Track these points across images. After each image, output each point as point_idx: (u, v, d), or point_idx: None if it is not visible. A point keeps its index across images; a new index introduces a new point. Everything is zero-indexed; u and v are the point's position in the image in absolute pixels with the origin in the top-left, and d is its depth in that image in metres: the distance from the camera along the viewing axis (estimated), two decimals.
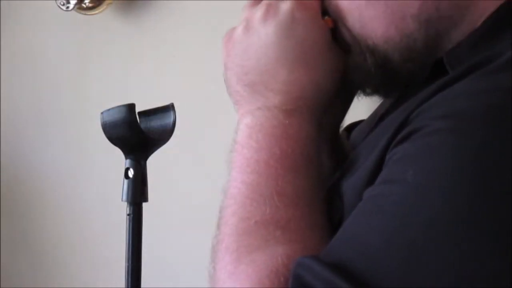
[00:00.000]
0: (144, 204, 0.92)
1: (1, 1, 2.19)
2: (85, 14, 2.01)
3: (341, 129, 0.92)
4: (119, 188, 0.90)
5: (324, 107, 0.74)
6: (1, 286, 2.24)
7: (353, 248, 0.61)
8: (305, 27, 0.71)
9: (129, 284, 0.92)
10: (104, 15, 2.01)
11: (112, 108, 0.89)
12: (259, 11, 0.73)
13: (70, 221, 2.18)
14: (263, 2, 0.74)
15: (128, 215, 0.92)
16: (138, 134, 0.89)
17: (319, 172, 0.72)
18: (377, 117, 0.79)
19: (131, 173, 0.90)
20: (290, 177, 0.69)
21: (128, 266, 0.92)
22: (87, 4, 1.98)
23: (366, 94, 0.78)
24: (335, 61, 0.74)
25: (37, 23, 2.17)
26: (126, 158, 0.91)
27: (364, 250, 0.60)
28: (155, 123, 0.90)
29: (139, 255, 0.93)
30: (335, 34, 0.75)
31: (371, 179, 0.65)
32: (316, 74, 0.72)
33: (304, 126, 0.71)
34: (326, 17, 0.74)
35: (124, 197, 0.91)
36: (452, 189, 0.58)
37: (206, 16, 1.88)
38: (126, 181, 0.91)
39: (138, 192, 0.91)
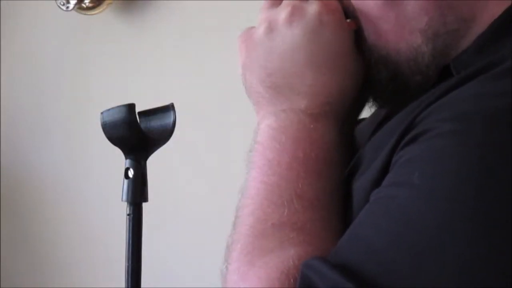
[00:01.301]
0: (144, 204, 0.92)
1: (1, 1, 2.19)
2: (85, 14, 2.01)
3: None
4: (119, 188, 0.90)
5: (348, 112, 0.74)
6: (1, 286, 2.24)
7: (360, 250, 0.61)
8: (332, 31, 0.71)
9: (129, 284, 0.92)
10: (104, 15, 2.01)
11: (112, 108, 0.89)
12: (283, 12, 0.72)
13: (70, 221, 2.18)
14: (287, 3, 0.73)
15: (128, 215, 0.92)
16: (138, 134, 0.89)
17: (339, 176, 0.72)
18: (381, 117, 0.79)
19: (131, 173, 0.90)
20: (311, 180, 0.69)
21: (128, 266, 0.92)
22: (87, 4, 1.98)
23: (378, 105, 0.79)
24: (358, 64, 0.74)
25: (37, 23, 2.17)
26: (126, 158, 0.91)
27: (371, 252, 0.60)
28: (155, 123, 0.90)
29: (139, 255, 0.93)
30: (358, 36, 0.75)
31: (378, 181, 0.66)
32: (342, 78, 0.72)
33: (329, 132, 0.71)
34: (349, 20, 0.74)
35: (124, 197, 0.91)
36: (457, 191, 0.58)
37: (206, 16, 1.89)
38: (126, 181, 0.91)
39: (138, 192, 0.91)
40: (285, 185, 0.69)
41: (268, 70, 0.72)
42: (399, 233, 0.59)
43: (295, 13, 0.71)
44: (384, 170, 0.66)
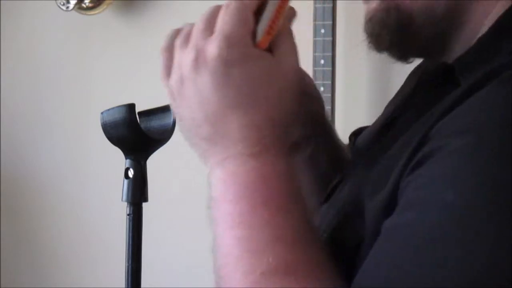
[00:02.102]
0: (144, 204, 0.92)
1: (1, 1, 2.19)
2: (85, 14, 2.01)
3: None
4: (119, 188, 0.90)
5: (290, 135, 0.70)
6: (1, 286, 2.24)
7: (395, 279, 0.60)
8: (240, 67, 0.66)
9: (129, 284, 0.92)
10: (104, 15, 2.01)
11: (112, 108, 0.89)
12: (188, 58, 0.67)
13: (70, 221, 2.18)
14: (191, 44, 0.67)
15: (128, 215, 0.92)
16: (138, 134, 0.89)
17: (307, 206, 0.68)
18: (384, 121, 0.79)
19: (131, 173, 0.90)
20: (280, 219, 0.65)
21: (128, 266, 0.92)
22: (87, 4, 1.98)
23: (378, 49, 0.77)
24: (283, 82, 0.68)
25: (37, 23, 2.17)
26: (126, 158, 0.91)
27: (411, 282, 0.58)
28: (155, 123, 0.90)
29: (139, 255, 0.93)
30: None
31: (388, 207, 0.64)
32: (268, 109, 0.67)
33: (277, 163, 0.67)
34: (258, 40, 0.67)
35: (124, 197, 0.91)
36: (485, 206, 0.58)
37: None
38: (126, 181, 0.91)
39: (138, 192, 0.91)
40: (256, 233, 0.65)
41: (196, 121, 0.67)
42: (442, 257, 0.58)
43: (199, 58, 0.66)
44: (394, 194, 0.65)
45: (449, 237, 0.58)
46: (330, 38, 1.76)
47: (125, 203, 0.92)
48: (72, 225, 2.18)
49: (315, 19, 1.77)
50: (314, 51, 1.78)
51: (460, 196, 0.59)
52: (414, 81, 0.83)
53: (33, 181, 2.23)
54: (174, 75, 0.69)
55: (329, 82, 1.75)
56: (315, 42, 1.78)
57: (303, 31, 1.87)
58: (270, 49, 0.68)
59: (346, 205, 0.74)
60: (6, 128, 2.22)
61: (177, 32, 0.70)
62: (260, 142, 0.66)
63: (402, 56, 0.77)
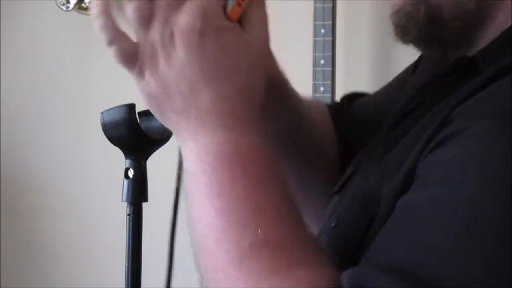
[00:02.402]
0: (144, 204, 0.92)
1: (1, 1, 2.19)
2: (85, 14, 2.01)
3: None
4: (119, 188, 0.90)
5: (264, 108, 0.69)
6: (1, 286, 2.24)
7: (419, 254, 0.59)
8: (214, 39, 0.65)
9: (129, 284, 0.92)
10: None
11: (112, 108, 0.89)
12: (161, 32, 0.66)
13: (70, 221, 2.18)
14: (160, 20, 0.66)
15: (128, 215, 0.92)
16: (138, 134, 0.89)
17: (285, 178, 0.67)
18: (401, 109, 0.79)
19: (131, 173, 0.90)
20: (262, 191, 0.64)
21: (128, 266, 0.92)
22: (87, 4, 1.98)
23: (404, 40, 0.77)
24: (255, 55, 0.67)
25: (37, 23, 2.17)
26: (126, 158, 0.91)
27: (434, 254, 0.58)
28: (155, 123, 0.90)
29: (139, 255, 0.93)
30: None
31: (403, 188, 0.64)
32: (241, 82, 0.66)
33: (252, 134, 0.66)
34: (228, 12, 0.66)
35: (124, 197, 0.91)
36: (503, 189, 0.58)
37: None
38: (126, 181, 0.91)
39: (138, 192, 0.91)
40: (239, 203, 0.63)
41: (169, 95, 0.66)
42: (464, 231, 0.58)
43: (172, 32, 0.65)
44: (411, 174, 0.64)
45: (467, 213, 0.58)
46: (330, 38, 1.76)
47: (125, 203, 0.92)
48: (72, 225, 2.18)
49: (315, 19, 1.77)
50: (314, 51, 1.78)
51: (480, 176, 0.59)
52: (430, 72, 0.82)
53: (33, 181, 2.23)
54: (145, 54, 0.68)
55: (329, 82, 1.75)
56: (315, 42, 1.78)
57: (303, 31, 1.87)
58: (240, 21, 0.67)
59: (363, 195, 0.73)
60: (6, 128, 2.22)
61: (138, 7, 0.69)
62: (234, 113, 0.66)
63: (427, 48, 0.78)
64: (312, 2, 1.77)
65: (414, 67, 0.89)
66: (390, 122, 0.81)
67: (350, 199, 0.76)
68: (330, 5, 1.75)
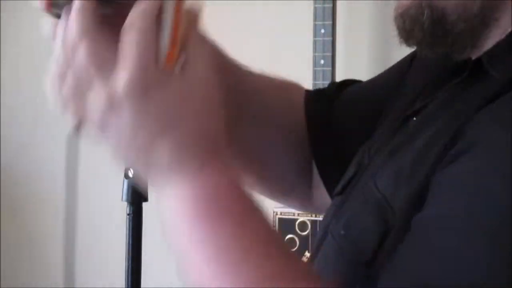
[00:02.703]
0: (144, 204, 0.93)
1: (1, 1, 2.19)
2: None
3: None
4: (119, 188, 0.90)
5: (226, 140, 0.67)
6: (1, 286, 2.24)
7: (437, 268, 0.59)
8: (156, 91, 0.64)
9: (129, 284, 0.92)
10: None
11: None
12: (99, 100, 0.66)
13: (69, 221, 2.18)
14: (96, 86, 0.65)
15: (128, 215, 0.92)
16: None
17: (263, 211, 0.65)
18: (404, 107, 0.78)
19: (131, 173, 0.90)
20: (246, 229, 0.63)
21: (128, 266, 0.92)
22: None
23: (408, 43, 0.77)
24: (203, 94, 0.66)
25: (37, 23, 2.17)
26: None
27: (453, 269, 0.58)
28: None
29: (139, 255, 0.93)
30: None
31: (420, 199, 0.64)
32: (195, 124, 0.65)
33: (224, 171, 0.65)
34: (165, 56, 0.64)
35: (124, 197, 0.91)
36: None
37: (205, 16, 1.88)
38: (126, 181, 0.91)
39: (138, 192, 0.91)
40: (225, 249, 0.63)
41: (130, 148, 0.66)
42: (486, 246, 0.58)
43: (112, 96, 0.64)
44: (424, 188, 0.64)
45: (488, 224, 0.58)
46: (330, 38, 1.76)
47: (125, 203, 0.92)
48: (72, 225, 2.18)
49: (315, 19, 1.78)
50: (314, 51, 1.78)
51: (501, 188, 0.59)
52: (431, 73, 0.82)
53: (33, 181, 2.23)
54: (97, 121, 0.68)
55: (329, 82, 1.75)
56: (315, 42, 1.78)
57: (303, 31, 1.88)
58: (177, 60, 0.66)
59: (374, 201, 0.73)
60: (6, 128, 2.22)
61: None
62: (196, 158, 0.64)
63: (431, 50, 0.78)
64: (312, 2, 1.77)
65: (408, 66, 0.89)
66: (391, 123, 0.81)
67: (359, 205, 0.75)
68: (330, 5, 1.75)
